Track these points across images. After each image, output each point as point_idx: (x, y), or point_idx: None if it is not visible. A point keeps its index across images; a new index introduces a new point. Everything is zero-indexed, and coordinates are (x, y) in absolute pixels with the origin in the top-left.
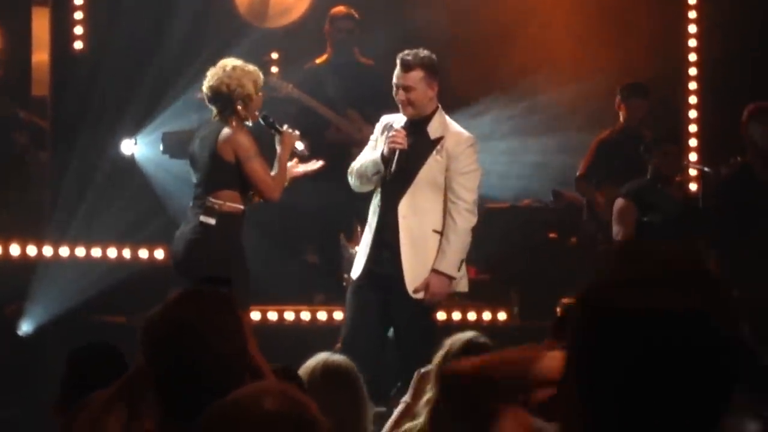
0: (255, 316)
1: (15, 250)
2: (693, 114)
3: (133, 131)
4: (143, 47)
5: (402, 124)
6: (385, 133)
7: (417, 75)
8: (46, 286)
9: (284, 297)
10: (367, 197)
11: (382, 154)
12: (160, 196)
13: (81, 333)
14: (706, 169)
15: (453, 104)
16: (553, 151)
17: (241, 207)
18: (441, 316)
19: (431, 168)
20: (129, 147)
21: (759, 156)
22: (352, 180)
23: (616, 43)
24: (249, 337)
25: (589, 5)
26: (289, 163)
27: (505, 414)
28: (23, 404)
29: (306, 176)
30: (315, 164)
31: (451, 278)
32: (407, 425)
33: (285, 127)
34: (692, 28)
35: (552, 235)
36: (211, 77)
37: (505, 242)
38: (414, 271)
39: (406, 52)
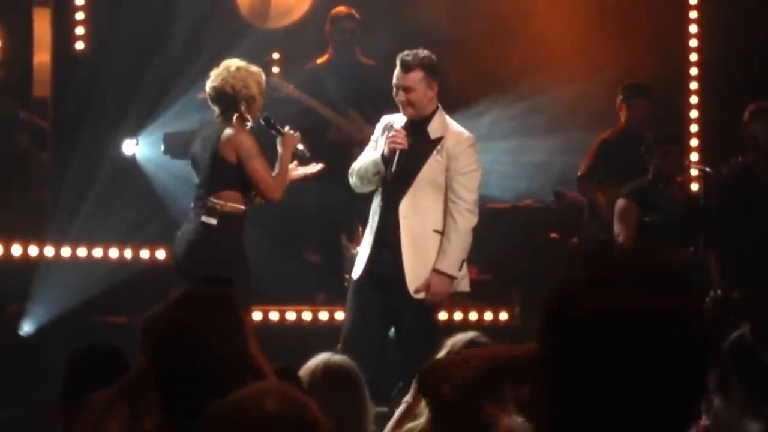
0: (256, 316)
1: (17, 250)
2: (694, 114)
3: (134, 132)
4: (144, 48)
5: (402, 124)
6: (386, 133)
7: (417, 75)
8: (47, 286)
9: (286, 297)
10: (368, 197)
11: (383, 154)
12: (162, 197)
13: (82, 333)
14: (707, 169)
15: (453, 104)
16: (554, 152)
17: (243, 207)
18: (442, 316)
19: (432, 168)
20: (130, 147)
21: (760, 156)
22: (352, 180)
23: (617, 43)
24: (250, 338)
25: (589, 5)
26: (290, 165)
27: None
28: (24, 404)
29: (305, 178)
30: (314, 167)
31: (452, 278)
32: (409, 425)
33: (286, 128)
34: (693, 28)
35: (553, 235)
36: (215, 77)
37: (507, 242)
38: (415, 271)
39: (406, 52)
